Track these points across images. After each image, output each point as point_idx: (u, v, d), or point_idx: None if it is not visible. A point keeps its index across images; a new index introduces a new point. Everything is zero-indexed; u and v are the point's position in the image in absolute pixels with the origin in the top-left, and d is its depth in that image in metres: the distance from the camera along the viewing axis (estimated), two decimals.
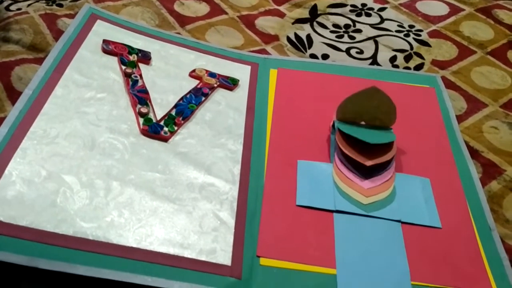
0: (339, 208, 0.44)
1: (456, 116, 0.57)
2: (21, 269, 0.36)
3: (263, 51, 0.64)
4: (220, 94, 0.55)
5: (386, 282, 0.40)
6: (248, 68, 0.59)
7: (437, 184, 0.48)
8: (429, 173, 0.49)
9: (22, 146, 0.42)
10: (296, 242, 0.42)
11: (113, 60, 0.55)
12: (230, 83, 0.56)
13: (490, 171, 0.52)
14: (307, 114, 0.54)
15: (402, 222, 0.44)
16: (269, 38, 0.66)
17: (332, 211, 0.44)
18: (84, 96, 0.49)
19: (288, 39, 0.67)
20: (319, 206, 0.45)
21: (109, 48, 0.55)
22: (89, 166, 0.43)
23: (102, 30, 0.58)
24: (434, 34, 0.71)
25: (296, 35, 0.68)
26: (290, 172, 0.47)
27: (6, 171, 0.40)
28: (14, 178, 0.40)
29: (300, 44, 0.66)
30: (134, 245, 0.38)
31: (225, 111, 0.53)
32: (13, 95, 0.51)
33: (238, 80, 0.56)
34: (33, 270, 0.36)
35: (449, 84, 0.62)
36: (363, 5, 0.76)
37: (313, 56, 0.64)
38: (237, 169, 0.47)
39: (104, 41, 0.56)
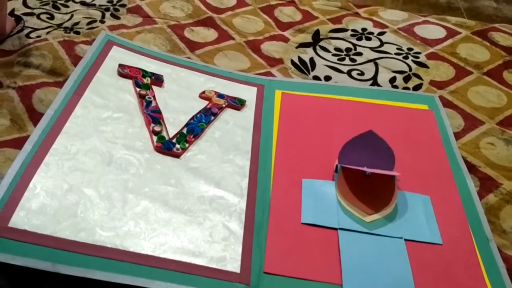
0: (343, 226, 0.46)
1: (454, 133, 0.60)
2: (43, 273, 0.38)
3: (268, 74, 0.67)
4: (228, 114, 0.58)
5: None
6: (254, 90, 0.63)
7: (437, 201, 0.50)
8: (429, 191, 0.51)
9: (45, 161, 0.45)
10: (302, 259, 0.44)
11: (128, 83, 0.58)
12: (237, 104, 0.59)
13: (487, 184, 0.54)
14: (310, 135, 0.57)
15: (404, 239, 0.46)
16: (274, 62, 0.70)
17: (336, 229, 0.46)
18: (102, 116, 0.52)
19: (292, 62, 0.70)
20: (323, 224, 0.46)
21: (125, 71, 0.59)
22: (107, 180, 0.46)
23: (117, 55, 0.62)
24: (432, 56, 0.74)
25: (299, 58, 0.71)
26: (295, 190, 0.50)
27: (30, 185, 0.43)
28: (38, 191, 0.43)
29: (304, 67, 0.69)
30: (149, 253, 0.41)
31: (233, 130, 0.56)
32: (35, 116, 0.55)
33: (245, 101, 0.60)
34: (55, 275, 0.38)
35: (447, 103, 0.65)
36: (364, 29, 0.79)
37: (316, 78, 0.68)
38: (244, 183, 0.49)
39: (120, 65, 0.59)
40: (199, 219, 0.45)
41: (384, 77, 0.69)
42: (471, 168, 0.56)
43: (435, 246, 0.46)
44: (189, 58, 0.68)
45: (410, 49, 0.75)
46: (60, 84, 0.58)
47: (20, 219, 0.40)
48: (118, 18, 0.74)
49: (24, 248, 0.38)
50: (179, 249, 0.42)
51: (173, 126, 0.54)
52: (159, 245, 0.41)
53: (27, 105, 0.56)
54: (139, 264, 0.40)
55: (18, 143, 0.49)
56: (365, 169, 0.49)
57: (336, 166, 0.51)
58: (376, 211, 0.48)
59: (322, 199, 0.49)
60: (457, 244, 0.46)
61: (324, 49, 0.74)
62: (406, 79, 0.69)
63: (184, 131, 0.53)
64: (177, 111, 0.56)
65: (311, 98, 0.62)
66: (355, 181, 0.50)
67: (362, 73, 0.69)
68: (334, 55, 0.73)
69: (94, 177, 0.45)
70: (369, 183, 0.50)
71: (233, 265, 0.42)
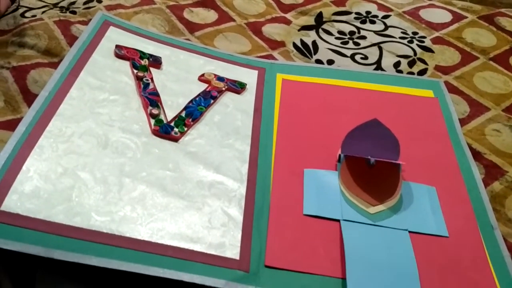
0: (346, 217, 0.45)
1: (459, 119, 0.58)
2: (37, 258, 0.37)
3: (269, 57, 0.66)
4: (228, 97, 0.56)
5: None
6: (255, 73, 0.61)
7: (443, 192, 0.48)
8: (435, 181, 0.49)
9: (39, 144, 0.44)
10: (304, 252, 0.42)
11: (125, 65, 0.56)
12: (238, 87, 0.57)
13: (492, 172, 0.53)
14: (312, 124, 0.55)
15: (409, 231, 0.44)
16: (275, 44, 0.68)
17: (339, 220, 0.45)
18: (98, 98, 0.51)
19: (294, 45, 0.69)
20: (326, 216, 0.45)
21: (122, 53, 0.57)
22: (103, 163, 0.44)
23: (114, 36, 0.60)
24: (437, 40, 0.73)
25: (302, 41, 0.69)
26: (297, 180, 0.48)
27: (24, 167, 0.42)
28: (31, 174, 0.41)
29: (306, 50, 0.68)
30: (146, 239, 0.39)
31: (233, 113, 0.54)
32: (29, 97, 0.53)
33: (246, 84, 0.58)
34: (49, 260, 0.37)
35: (452, 89, 0.64)
36: (368, 12, 0.77)
37: (318, 61, 0.66)
38: (244, 168, 0.48)
39: (117, 46, 0.58)
40: (197, 204, 0.43)
41: (388, 61, 0.67)
42: (476, 155, 0.55)
43: (441, 238, 0.45)
44: (188, 39, 0.66)
45: (415, 33, 0.74)
46: (55, 65, 0.56)
47: (12, 203, 0.39)
48: None
49: (17, 232, 0.37)
50: (177, 235, 0.40)
51: (171, 109, 0.52)
52: (157, 230, 0.40)
53: (21, 86, 0.54)
54: (136, 250, 0.38)
55: (11, 125, 0.48)
56: (369, 157, 0.48)
57: (339, 155, 0.50)
58: (381, 202, 0.46)
59: (325, 189, 0.47)
60: (463, 237, 0.45)
61: (327, 32, 0.72)
62: (411, 63, 0.67)
63: (183, 114, 0.52)
64: (175, 94, 0.54)
65: (312, 85, 0.61)
66: (359, 171, 0.48)
67: (365, 57, 0.68)
68: (337, 38, 0.71)
69: (89, 161, 0.44)
70: (373, 173, 0.48)
71: (232, 252, 0.41)
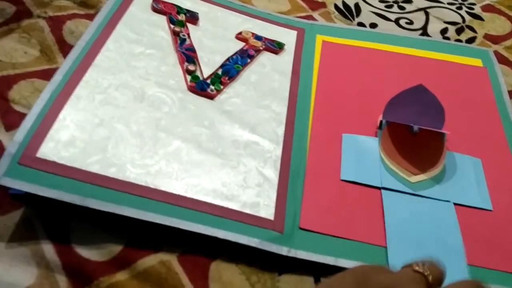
0: (386, 185, 0.43)
1: (508, 91, 0.55)
2: (71, 210, 0.37)
3: (309, 18, 0.63)
4: (265, 57, 0.54)
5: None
6: (294, 33, 0.59)
7: (489, 165, 0.46)
8: (480, 154, 0.47)
9: (75, 93, 0.43)
10: (340, 216, 0.41)
11: (162, 19, 0.55)
12: (275, 47, 0.55)
13: None
14: (352, 88, 0.53)
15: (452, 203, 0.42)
16: (316, 5, 0.65)
17: (378, 188, 0.43)
18: (135, 51, 0.50)
19: (336, 6, 0.65)
20: (364, 182, 0.43)
21: (159, 7, 0.56)
22: (139, 117, 0.43)
23: None
24: (487, 8, 0.68)
25: (344, 3, 0.66)
26: (335, 145, 0.46)
27: (60, 116, 0.41)
28: (68, 123, 0.41)
29: (348, 12, 0.65)
30: (181, 193, 0.39)
31: (270, 74, 0.53)
32: (65, 48, 0.52)
33: (284, 44, 0.56)
34: (83, 212, 0.37)
35: (502, 59, 0.60)
36: None
37: (360, 24, 0.63)
38: (281, 130, 0.47)
39: (154, 0, 0.56)
40: (232, 163, 0.42)
41: (434, 27, 0.64)
42: None
43: (485, 212, 0.43)
44: None
45: None
46: (91, 17, 0.55)
47: (49, 150, 0.39)
48: None
49: (53, 179, 0.37)
50: (211, 192, 0.40)
51: (207, 66, 0.51)
52: (192, 186, 0.40)
53: (57, 36, 0.54)
54: (171, 204, 0.38)
55: (47, 75, 0.47)
56: (412, 124, 0.45)
57: (381, 122, 0.47)
58: (422, 172, 0.44)
59: (364, 155, 0.45)
60: (508, 211, 0.43)
61: None
62: (459, 31, 0.64)
63: (219, 72, 0.50)
64: (212, 51, 0.53)
65: (354, 48, 0.58)
66: (401, 138, 0.46)
67: (411, 22, 0.64)
68: (381, 1, 0.67)
69: (125, 113, 0.43)
70: (415, 142, 0.46)
71: (267, 212, 0.40)
